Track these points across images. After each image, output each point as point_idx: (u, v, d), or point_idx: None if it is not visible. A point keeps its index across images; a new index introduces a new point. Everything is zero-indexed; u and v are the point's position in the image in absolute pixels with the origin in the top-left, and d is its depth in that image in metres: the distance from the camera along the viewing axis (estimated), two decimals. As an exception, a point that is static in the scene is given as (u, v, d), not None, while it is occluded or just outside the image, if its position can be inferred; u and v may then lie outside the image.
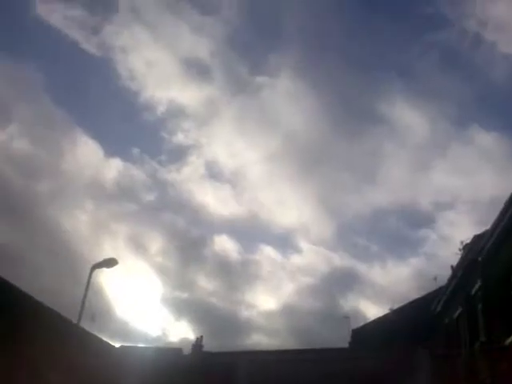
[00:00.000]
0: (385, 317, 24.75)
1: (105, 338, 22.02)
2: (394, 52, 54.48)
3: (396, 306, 24.74)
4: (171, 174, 54.37)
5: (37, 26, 46.51)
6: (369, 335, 23.49)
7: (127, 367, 23.29)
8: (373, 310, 53.18)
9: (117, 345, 24.71)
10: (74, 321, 17.02)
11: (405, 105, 52.26)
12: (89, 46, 55.51)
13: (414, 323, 21.58)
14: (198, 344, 26.32)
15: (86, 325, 17.51)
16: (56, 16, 51.70)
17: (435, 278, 21.83)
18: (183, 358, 26.16)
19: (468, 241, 16.41)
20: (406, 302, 24.39)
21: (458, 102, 56.89)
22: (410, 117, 50.50)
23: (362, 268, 55.01)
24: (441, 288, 20.41)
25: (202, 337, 26.54)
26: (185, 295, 46.11)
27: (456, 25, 55.25)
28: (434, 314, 20.91)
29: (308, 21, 49.60)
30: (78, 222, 42.50)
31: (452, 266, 17.81)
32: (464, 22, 53.24)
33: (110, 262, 16.50)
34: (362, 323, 26.57)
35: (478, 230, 15.71)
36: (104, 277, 16.15)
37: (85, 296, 16.30)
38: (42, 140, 45.18)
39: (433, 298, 20.76)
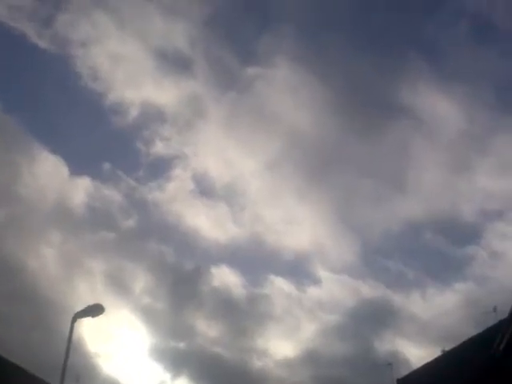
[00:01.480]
0: (435, 361, 21.54)
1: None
2: (413, 25, 48.87)
3: (447, 347, 21.46)
4: (152, 193, 49.14)
5: None
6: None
7: None
8: (416, 352, 47.58)
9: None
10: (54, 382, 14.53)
11: (431, 91, 46.71)
12: (40, 40, 48.18)
13: (471, 367, 18.37)
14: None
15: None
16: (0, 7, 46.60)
17: (495, 309, 19.38)
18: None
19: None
20: (458, 340, 21.07)
21: (497, 84, 50.58)
22: (439, 106, 44.99)
23: (397, 299, 48.83)
24: (502, 321, 17.42)
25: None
26: (182, 345, 40.49)
27: None
28: (495, 354, 17.71)
29: None
30: (45, 258, 38.13)
31: (515, 293, 14.91)
32: None
33: (95, 310, 13.98)
34: (404, 369, 23.21)
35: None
36: (82, 326, 13.34)
37: (67, 352, 13.72)
38: None
39: (493, 335, 17.64)
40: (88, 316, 14.06)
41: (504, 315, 17.29)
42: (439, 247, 48.21)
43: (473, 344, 19.67)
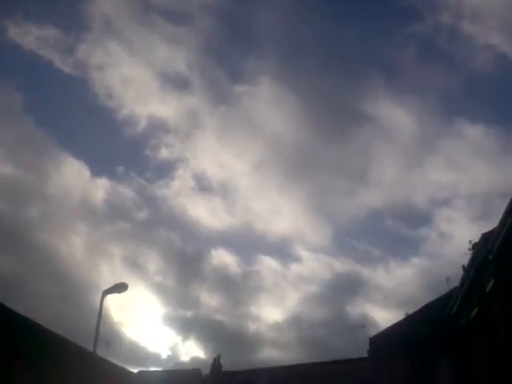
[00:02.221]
0: (400, 322, 24.52)
1: (118, 363, 22.05)
2: (372, 48, 54.00)
3: (408, 310, 24.56)
4: (160, 190, 54.31)
5: (11, 48, 46.77)
6: (386, 343, 23.27)
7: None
8: (382, 315, 52.47)
9: (134, 370, 24.70)
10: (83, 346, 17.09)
11: (388, 101, 52.07)
12: (64, 66, 55.31)
13: (431, 327, 21.39)
14: (216, 364, 26.18)
15: (101, 352, 17.49)
16: (29, 38, 51.87)
17: (448, 279, 21.69)
18: (204, 379, 26.07)
19: (476, 239, 16.31)
20: (416, 304, 24.18)
21: (442, 95, 56.59)
22: (395, 114, 50.32)
23: (365, 272, 54.36)
24: (453, 289, 20.22)
25: (219, 356, 26.45)
26: (189, 313, 45.84)
27: (432, 17, 54.37)
28: (449, 315, 20.69)
29: (282, 23, 49.53)
30: (73, 246, 42.51)
31: (463, 266, 17.67)
32: (439, 14, 52.09)
33: (121, 287, 16.46)
34: (373, 329, 26.34)
35: (477, 225, 15.57)
36: (106, 300, 15.98)
37: (98, 323, 16.14)
38: (27, 164, 45.25)
39: (447, 300, 20.54)
40: (115, 292, 16.41)
41: (454, 284, 20.16)
42: (397, 230, 54.21)
43: (431, 308, 22.65)
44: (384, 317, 47.58)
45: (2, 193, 42.33)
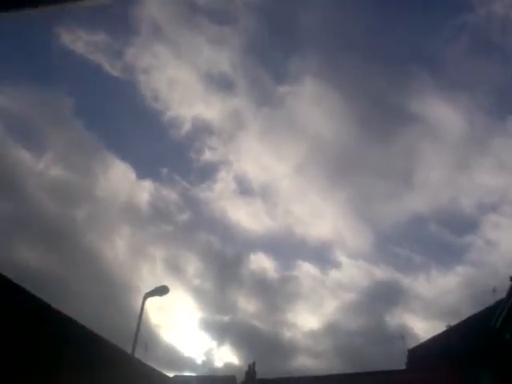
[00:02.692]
0: (441, 334, 23.97)
1: (155, 367, 22.09)
2: (418, 42, 52.36)
3: (448, 322, 23.99)
4: (202, 193, 54.45)
5: (62, 53, 47.95)
6: (426, 355, 22.75)
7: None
8: (421, 325, 50.87)
9: (169, 374, 24.75)
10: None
11: (436, 99, 50.05)
12: (113, 69, 56.39)
13: (473, 340, 20.80)
14: (250, 371, 26.03)
15: (139, 354, 17.57)
16: (79, 43, 53.31)
17: (494, 290, 21.20)
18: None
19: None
20: (458, 315, 23.66)
21: (493, 91, 54.06)
22: (443, 112, 48.38)
23: (405, 280, 52.62)
24: (499, 301, 19.62)
25: (254, 363, 26.27)
26: (226, 318, 45.69)
27: (484, 7, 52.01)
28: (494, 329, 20.08)
29: (324, 21, 48.77)
30: (117, 248, 43.09)
31: (511, 277, 17.11)
32: (492, 4, 49.74)
33: (162, 290, 16.56)
34: (411, 340, 25.70)
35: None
36: (146, 303, 16.07)
37: (138, 326, 16.25)
38: (76, 166, 46.30)
39: (492, 313, 19.91)
40: (156, 295, 16.53)
41: (501, 295, 19.52)
42: (441, 236, 51.91)
43: (475, 320, 21.99)
44: (423, 328, 46.25)
45: (52, 194, 43.72)
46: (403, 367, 24.42)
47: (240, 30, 54.02)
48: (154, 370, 22.17)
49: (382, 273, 51.61)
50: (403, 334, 34.41)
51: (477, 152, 51.37)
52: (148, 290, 16.57)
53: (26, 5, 1.55)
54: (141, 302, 16.74)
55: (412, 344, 25.20)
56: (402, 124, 52.53)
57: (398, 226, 52.10)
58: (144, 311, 16.16)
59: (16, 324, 12.86)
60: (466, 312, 23.17)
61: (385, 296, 46.44)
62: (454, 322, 23.89)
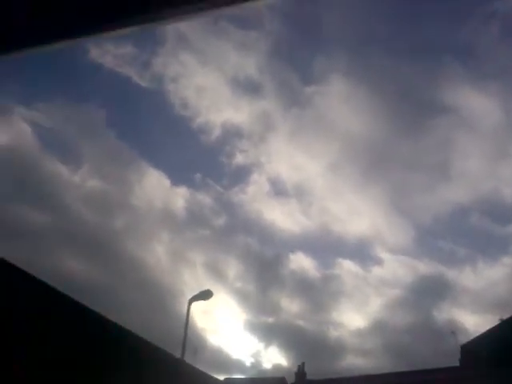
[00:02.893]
0: (495, 328, 23.30)
1: (204, 370, 22.46)
2: (448, 31, 51.05)
3: (500, 315, 23.26)
4: (236, 196, 54.95)
5: (92, 67, 49.36)
6: (479, 350, 22.17)
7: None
8: (471, 320, 49.13)
9: (219, 377, 25.07)
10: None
11: (468, 89, 48.56)
12: (141, 80, 57.76)
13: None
14: (300, 372, 26.07)
15: (188, 359, 17.92)
16: (108, 57, 54.99)
17: None
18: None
19: None
20: (507, 306, 22.82)
21: None
22: (476, 101, 46.89)
23: (450, 273, 51.07)
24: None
25: (303, 364, 26.29)
26: (270, 320, 45.90)
27: None
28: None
29: (348, 17, 48.09)
30: (157, 254, 44.12)
31: None
32: None
33: (206, 294, 16.90)
34: (462, 336, 25.03)
35: None
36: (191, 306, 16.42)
37: (185, 331, 16.59)
38: (111, 176, 47.56)
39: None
40: (200, 299, 16.90)
41: None
42: (485, 226, 50.15)
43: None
44: (474, 322, 44.78)
45: (90, 205, 45.44)
46: (456, 364, 23.85)
47: (265, 34, 54.35)
48: (205, 373, 22.53)
49: (425, 267, 50.34)
50: (454, 329, 33.61)
51: None
52: (192, 295, 16.95)
53: (59, 39, 1.62)
54: (185, 306, 17.19)
55: (463, 339, 24.62)
56: (434, 116, 51.40)
57: (438, 219, 50.79)
58: (190, 316, 16.51)
59: (71, 335, 13.41)
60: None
61: (430, 291, 45.36)
62: (505, 315, 23.18)
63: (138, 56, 55.70)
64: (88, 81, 52.52)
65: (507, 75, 50.73)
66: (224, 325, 45.08)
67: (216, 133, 58.49)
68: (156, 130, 57.46)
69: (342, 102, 52.16)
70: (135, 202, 46.31)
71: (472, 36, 50.52)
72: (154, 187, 49.84)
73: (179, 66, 56.17)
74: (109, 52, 57.54)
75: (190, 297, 17.33)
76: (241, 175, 66.26)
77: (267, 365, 46.63)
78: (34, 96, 47.23)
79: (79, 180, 44.84)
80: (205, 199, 55.20)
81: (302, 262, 50.76)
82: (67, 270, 31.80)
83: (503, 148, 49.04)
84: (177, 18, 1.61)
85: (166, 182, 55.10)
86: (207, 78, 57.81)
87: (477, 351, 22.82)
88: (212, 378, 23.78)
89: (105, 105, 59.79)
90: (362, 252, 60.84)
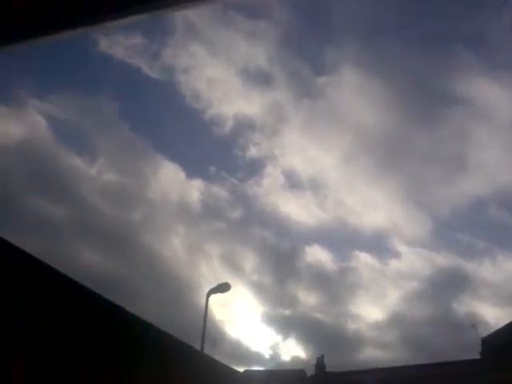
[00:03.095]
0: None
1: (224, 362, 22.60)
2: (460, 21, 50.29)
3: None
4: (251, 189, 54.75)
5: (102, 59, 49.42)
6: (501, 343, 21.97)
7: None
8: (492, 312, 48.42)
9: (239, 369, 25.24)
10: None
11: (482, 79, 47.95)
12: (152, 71, 57.57)
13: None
14: (320, 364, 26.10)
15: (207, 350, 18.05)
16: (118, 48, 54.93)
17: None
18: (309, 380, 26.11)
19: None
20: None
21: None
22: (491, 92, 46.22)
23: (469, 266, 50.35)
24: None
25: (323, 356, 26.33)
26: (288, 312, 45.96)
27: None
28: None
29: (359, 7, 47.60)
30: (174, 247, 44.37)
31: None
32: None
33: (224, 287, 17.05)
34: (483, 329, 24.78)
35: None
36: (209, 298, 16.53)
37: (204, 323, 16.77)
38: (127, 169, 47.71)
39: None
40: (218, 292, 17.07)
41: None
42: (504, 219, 49.42)
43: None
44: (494, 315, 44.22)
45: (107, 198, 45.89)
46: (477, 357, 23.64)
47: (274, 23, 53.71)
48: (225, 365, 22.64)
49: (443, 260, 49.88)
50: (474, 322, 33.29)
51: None
52: (209, 287, 17.13)
53: (65, 28, 1.63)
54: (202, 298, 17.36)
55: (483, 332, 24.39)
56: (448, 106, 50.79)
57: (455, 211, 50.29)
58: (209, 308, 16.63)
59: (90, 326, 13.56)
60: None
61: (449, 283, 45.00)
62: (527, 308, 22.91)
63: (148, 47, 55.55)
64: (98, 72, 52.61)
65: None
66: (242, 317, 45.30)
67: (229, 125, 58.30)
68: (168, 123, 57.53)
69: (355, 93, 51.75)
70: (151, 194, 46.54)
71: (484, 25, 49.62)
72: (169, 180, 49.98)
73: (189, 57, 55.96)
74: (118, 43, 57.34)
75: (207, 289, 17.53)
76: (255, 168, 66.03)
77: (286, 357, 46.84)
78: (47, 88, 47.48)
79: (95, 172, 45.15)
80: (220, 192, 55.25)
81: (318, 255, 50.58)
82: (84, 262, 32.23)
83: None
84: (183, 6, 1.59)
85: (181, 175, 55.17)
86: (218, 69, 57.54)
87: (498, 344, 22.61)
88: (232, 369, 23.86)
89: (116, 96, 59.84)
90: (378, 245, 60.39)
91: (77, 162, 46.83)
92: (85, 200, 40.55)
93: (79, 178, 42.70)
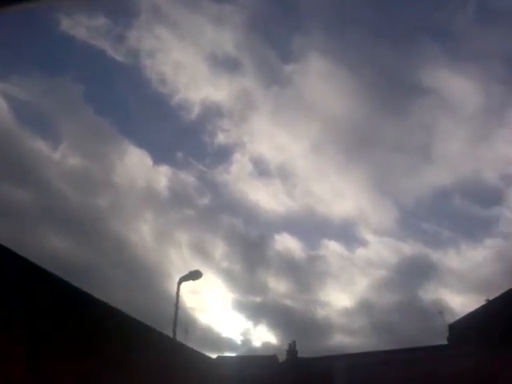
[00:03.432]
0: (481, 308, 23.66)
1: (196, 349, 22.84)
2: (424, 12, 50.77)
3: (483, 293, 23.69)
4: (220, 176, 54.80)
5: (64, 39, 48.27)
6: (467, 330, 22.58)
7: (226, 377, 24.01)
8: (457, 300, 49.69)
9: (211, 355, 25.55)
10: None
11: (448, 70, 48.58)
12: (117, 54, 56.55)
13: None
14: (292, 350, 26.53)
15: (179, 338, 18.28)
16: (81, 29, 53.70)
17: None
18: (281, 365, 26.54)
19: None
20: (492, 287, 23.22)
21: (506, 60, 51.93)
22: (457, 83, 47.02)
23: (435, 255, 51.58)
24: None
25: (294, 342, 26.79)
26: (258, 299, 46.60)
27: None
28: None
29: None
30: (142, 234, 44.22)
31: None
32: None
33: (196, 275, 17.23)
34: (448, 315, 25.52)
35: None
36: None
37: (176, 310, 16.99)
38: (92, 153, 47.03)
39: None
40: (190, 280, 17.24)
41: None
42: (467, 209, 50.70)
43: (513, 293, 21.64)
44: (460, 301, 45.45)
45: (73, 183, 45.12)
46: (444, 343, 24.28)
47: (241, 8, 53.12)
48: (198, 352, 22.92)
49: (410, 248, 50.99)
50: (440, 308, 34.08)
51: (495, 122, 49.92)
52: (179, 275, 17.31)
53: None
54: (173, 285, 17.54)
55: (449, 319, 25.11)
56: (414, 97, 51.47)
57: (421, 201, 51.27)
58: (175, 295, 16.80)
59: (57, 312, 13.60)
60: (503, 284, 22.79)
61: (416, 271, 46.09)
62: (490, 295, 23.57)
63: (112, 29, 54.05)
64: (62, 53, 51.35)
65: (486, 57, 50.62)
66: (213, 304, 45.55)
67: (196, 111, 57.51)
68: (134, 107, 56.46)
69: (322, 82, 51.83)
70: (117, 180, 45.95)
71: (450, 17, 50.14)
72: (136, 165, 49.48)
73: (155, 40, 54.87)
74: (81, 23, 55.54)
75: (177, 276, 17.70)
76: (223, 155, 65.33)
77: (257, 343, 47.52)
78: (7, 68, 46.06)
79: (59, 156, 44.30)
80: (188, 178, 54.98)
81: (287, 243, 51.16)
82: (50, 248, 31.91)
83: (483, 131, 49.19)
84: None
85: (148, 161, 54.39)
86: (184, 54, 56.55)
87: (465, 330, 23.22)
88: (205, 356, 24.18)
89: (81, 79, 58.16)
90: (346, 233, 61.02)
91: (40, 145, 45.76)
92: (49, 184, 39.87)
93: (43, 162, 41.83)
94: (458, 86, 47.32)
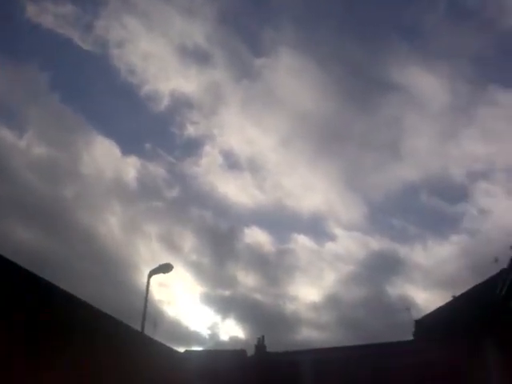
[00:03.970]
0: (447, 305, 24.08)
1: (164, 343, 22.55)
2: (395, 11, 51.13)
3: (448, 289, 24.20)
4: (189, 168, 54.21)
5: (30, 27, 46.91)
6: (432, 326, 22.89)
7: (194, 372, 23.81)
8: (423, 295, 51.31)
9: (178, 349, 25.30)
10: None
11: (416, 68, 49.59)
12: (84, 43, 55.27)
13: (478, 310, 20.90)
14: (260, 344, 26.50)
15: (147, 331, 17.98)
16: (47, 16, 52.11)
17: (496, 260, 21.00)
18: (249, 360, 26.49)
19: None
20: (457, 283, 23.81)
21: (473, 59, 52.97)
22: (425, 81, 48.01)
23: (402, 250, 52.50)
24: (503, 270, 19.69)
25: (263, 336, 26.77)
26: (227, 292, 46.26)
27: None
28: (499, 298, 20.14)
29: None
30: (109, 225, 43.27)
31: (513, 247, 17.15)
32: None
33: (166, 268, 16.90)
34: (414, 310, 25.85)
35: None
36: (146, 279, 16.39)
37: (145, 303, 16.62)
38: (59, 143, 45.94)
39: (496, 282, 19.97)
40: (160, 273, 16.88)
41: (502, 265, 19.57)
42: (434, 205, 52.03)
43: (479, 289, 22.06)
44: (425, 297, 46.61)
45: (39, 173, 43.57)
46: (410, 338, 24.60)
47: (211, 0, 52.53)
48: (165, 346, 22.63)
49: (377, 243, 51.77)
50: (407, 304, 34.48)
51: (462, 121, 51.11)
52: (147, 267, 16.99)
53: None
54: (141, 278, 17.22)
55: (415, 314, 25.43)
56: (383, 93, 52.10)
57: (389, 197, 52.13)
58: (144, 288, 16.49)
59: (22, 305, 13.19)
60: (468, 281, 23.34)
61: (383, 267, 46.69)
62: (455, 291, 24.03)
63: (80, 17, 53.13)
64: (27, 40, 50.24)
65: (454, 56, 51.67)
66: (181, 297, 45.14)
67: (165, 102, 56.89)
68: (102, 96, 55.38)
69: (292, 77, 52.03)
70: (84, 170, 44.75)
71: (419, 15, 50.92)
72: (104, 156, 48.39)
73: (123, 31, 53.82)
74: (47, 10, 54.18)
75: (145, 269, 17.42)
76: (193, 147, 64.80)
77: (224, 337, 47.28)
78: None
79: (25, 145, 43.05)
80: (157, 170, 54.15)
81: (256, 237, 51.01)
82: (16, 239, 30.98)
83: (450, 128, 50.44)
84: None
85: (116, 151, 53.22)
86: (153, 45, 55.72)
87: (431, 326, 23.54)
88: (173, 350, 23.91)
89: (47, 67, 57.07)
90: (315, 227, 61.30)
91: (4, 133, 44.46)
92: (14, 174, 38.75)
93: (7, 151, 40.61)
94: (426, 84, 47.86)
